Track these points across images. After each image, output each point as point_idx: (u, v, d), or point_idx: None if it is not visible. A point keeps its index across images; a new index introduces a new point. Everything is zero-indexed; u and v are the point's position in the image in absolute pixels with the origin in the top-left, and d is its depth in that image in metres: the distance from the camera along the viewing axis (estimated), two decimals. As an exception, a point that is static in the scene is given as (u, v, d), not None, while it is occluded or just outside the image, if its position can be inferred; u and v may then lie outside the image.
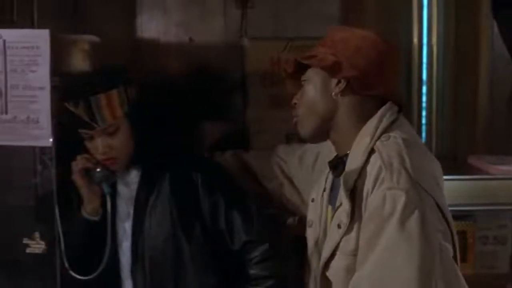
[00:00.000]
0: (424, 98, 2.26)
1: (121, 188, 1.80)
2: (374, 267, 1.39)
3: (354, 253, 1.46)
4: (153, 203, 1.77)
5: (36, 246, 1.71)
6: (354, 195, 1.47)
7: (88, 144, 1.73)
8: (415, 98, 2.27)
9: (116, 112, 1.69)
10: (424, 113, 2.26)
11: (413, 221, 1.36)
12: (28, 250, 1.71)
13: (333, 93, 1.54)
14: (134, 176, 1.80)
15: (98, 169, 1.73)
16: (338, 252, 1.51)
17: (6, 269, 1.78)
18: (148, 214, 1.76)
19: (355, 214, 1.46)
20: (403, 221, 1.36)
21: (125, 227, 1.79)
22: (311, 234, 1.67)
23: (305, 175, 1.89)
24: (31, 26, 2.13)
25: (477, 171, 2.10)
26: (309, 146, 1.90)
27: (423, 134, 2.28)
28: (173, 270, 1.75)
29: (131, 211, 1.77)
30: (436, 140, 2.27)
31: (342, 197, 1.48)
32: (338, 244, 1.50)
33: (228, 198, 1.77)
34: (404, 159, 1.42)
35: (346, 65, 1.52)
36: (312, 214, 1.68)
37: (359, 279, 1.42)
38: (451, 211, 1.52)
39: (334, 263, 1.52)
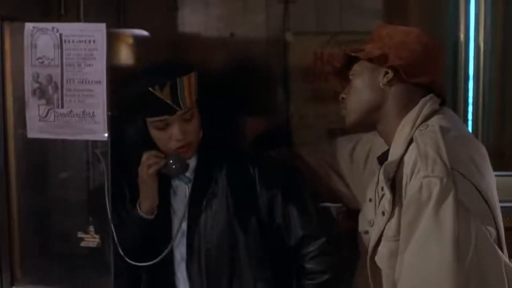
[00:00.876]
0: (470, 94, 2.25)
1: (175, 182, 1.79)
2: (412, 256, 1.46)
3: (396, 238, 1.54)
4: (209, 196, 1.76)
5: (90, 240, 1.71)
6: (395, 183, 1.54)
7: (160, 134, 1.71)
8: (461, 94, 2.25)
9: (193, 96, 1.71)
10: (470, 109, 2.25)
11: (448, 207, 1.42)
12: (82, 244, 1.71)
13: (381, 84, 1.62)
14: (189, 168, 1.78)
15: (171, 162, 1.71)
16: (383, 238, 1.59)
17: (61, 262, 1.79)
18: (204, 207, 1.76)
19: (396, 201, 1.54)
20: (437, 208, 1.42)
21: (181, 221, 1.77)
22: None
23: (356, 171, 1.90)
24: (77, 20, 2.14)
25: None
26: (360, 141, 1.90)
27: (469, 130, 2.25)
28: (229, 264, 1.75)
29: (187, 205, 1.76)
30: (482, 137, 2.26)
31: (384, 187, 1.55)
32: (383, 230, 1.58)
33: (285, 193, 1.76)
34: (440, 147, 1.48)
35: (393, 56, 1.61)
36: (371, 214, 1.69)
37: (402, 267, 1.49)
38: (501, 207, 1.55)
39: (380, 249, 1.60)
